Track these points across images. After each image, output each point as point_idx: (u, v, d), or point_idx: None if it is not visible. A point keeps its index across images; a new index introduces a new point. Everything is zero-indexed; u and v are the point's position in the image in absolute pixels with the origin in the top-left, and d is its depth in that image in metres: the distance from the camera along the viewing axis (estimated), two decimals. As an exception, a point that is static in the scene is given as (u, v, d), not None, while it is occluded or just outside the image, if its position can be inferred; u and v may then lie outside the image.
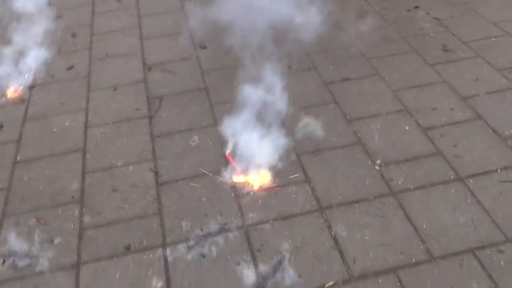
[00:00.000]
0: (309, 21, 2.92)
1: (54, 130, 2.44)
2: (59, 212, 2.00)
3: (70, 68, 2.92)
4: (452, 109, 2.45)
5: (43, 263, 1.80)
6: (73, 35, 3.26)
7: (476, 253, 1.77)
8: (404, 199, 1.99)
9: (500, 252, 1.77)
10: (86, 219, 1.96)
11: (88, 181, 2.14)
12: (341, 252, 1.79)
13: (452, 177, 2.08)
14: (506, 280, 1.68)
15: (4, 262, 1.81)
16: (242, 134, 2.29)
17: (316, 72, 2.77)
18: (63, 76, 2.85)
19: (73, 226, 1.93)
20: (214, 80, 2.76)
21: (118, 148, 2.30)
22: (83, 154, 2.28)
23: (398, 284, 1.68)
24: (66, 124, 2.48)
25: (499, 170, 2.10)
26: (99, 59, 3.01)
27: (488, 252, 1.77)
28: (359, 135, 2.31)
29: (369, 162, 2.17)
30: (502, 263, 1.73)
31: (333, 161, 2.18)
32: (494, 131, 2.30)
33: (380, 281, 1.69)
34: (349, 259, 1.77)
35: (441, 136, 2.29)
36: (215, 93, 2.66)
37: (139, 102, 2.61)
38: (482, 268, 1.72)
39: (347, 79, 2.70)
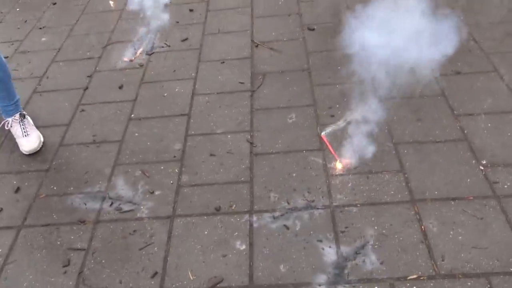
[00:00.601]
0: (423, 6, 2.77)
1: (165, 94, 2.65)
2: (162, 168, 2.18)
3: (185, 40, 3.13)
4: None
5: (143, 211, 1.99)
6: (191, 10, 3.47)
7: None
8: (509, 204, 1.84)
9: None
10: (184, 177, 2.12)
11: (190, 143, 2.29)
12: (429, 247, 1.72)
13: None
14: None
15: (112, 204, 2.03)
16: (341, 117, 2.28)
17: (428, 62, 2.63)
18: (178, 46, 3.07)
19: (172, 182, 2.10)
20: (318, 61, 2.77)
21: (219, 117, 2.44)
22: (188, 119, 2.45)
23: (489, 290, 1.57)
24: (176, 90, 2.67)
25: None
26: (212, 33, 3.17)
27: None
28: (465, 131, 2.17)
29: (473, 161, 2.03)
30: None
31: (433, 155, 2.07)
32: None
33: (469, 284, 1.60)
34: (438, 255, 1.69)
35: None
36: (317, 74, 2.66)
37: (244, 76, 2.72)
38: None
39: (459, 73, 2.53)
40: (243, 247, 1.80)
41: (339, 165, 2.08)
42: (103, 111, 2.58)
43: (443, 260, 1.67)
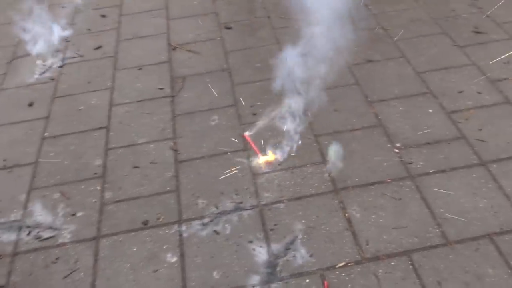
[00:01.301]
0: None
1: (81, 108, 2.52)
2: (83, 187, 2.08)
3: (98, 48, 3.00)
4: (479, 93, 2.36)
5: (65, 235, 1.89)
6: (103, 16, 3.33)
7: (494, 238, 1.72)
8: (423, 183, 1.95)
9: (520, 239, 1.72)
10: (107, 194, 2.04)
11: (111, 157, 2.21)
12: (354, 234, 1.79)
13: (474, 161, 2.02)
14: (524, 267, 1.64)
15: (30, 233, 1.91)
16: (262, 116, 2.30)
17: (339, 52, 2.72)
18: (91, 55, 2.93)
19: (95, 200, 2.01)
20: (237, 60, 2.77)
21: (140, 126, 2.36)
22: (107, 131, 2.35)
23: (411, 267, 1.66)
24: (93, 102, 2.55)
25: (525, 156, 2.02)
26: (126, 39, 3.07)
27: (507, 238, 1.72)
28: (379, 117, 2.28)
29: (388, 145, 2.13)
30: (521, 250, 1.69)
31: (351, 143, 2.16)
32: (523, 116, 2.21)
33: (392, 263, 1.68)
34: (362, 240, 1.76)
35: (466, 119, 2.22)
36: (237, 73, 2.67)
37: (163, 81, 2.66)
38: (499, 254, 1.68)
39: (371, 61, 2.65)
40: (174, 259, 1.76)
41: (263, 163, 2.10)
42: (12, 132, 2.41)
43: (367, 245, 1.75)
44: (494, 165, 1.99)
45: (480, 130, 2.16)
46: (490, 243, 1.71)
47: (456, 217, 1.81)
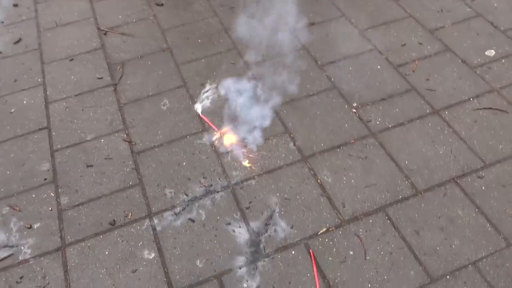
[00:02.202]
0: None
1: (12, 110, 2.28)
2: (33, 196, 1.90)
3: (18, 41, 2.70)
4: (420, 43, 2.43)
5: (25, 251, 1.72)
6: (15, 5, 2.99)
7: (458, 181, 1.81)
8: (384, 138, 2.00)
9: (480, 177, 1.82)
10: (64, 199, 1.87)
11: (59, 159, 2.02)
12: (329, 198, 1.80)
13: (427, 111, 2.10)
14: (488, 203, 1.74)
15: (-17, 255, 1.72)
16: (215, 91, 2.22)
17: (281, 19, 2.67)
18: (11, 50, 2.64)
19: (51, 208, 1.84)
20: (176, 38, 2.62)
21: (85, 121, 2.18)
22: (49, 132, 2.14)
23: (389, 221, 1.71)
24: (25, 102, 2.31)
25: (471, 99, 2.13)
26: (48, 28, 2.78)
27: (469, 179, 1.82)
28: (332, 80, 2.28)
29: (346, 106, 2.15)
30: (483, 187, 1.79)
31: (310, 109, 2.14)
32: (463, 61, 2.32)
33: (370, 221, 1.72)
34: (338, 204, 1.78)
35: (413, 71, 2.29)
36: (179, 52, 2.53)
37: (100, 70, 2.46)
38: (465, 195, 1.77)
39: (313, 24, 2.63)
40: (152, 255, 1.67)
41: (226, 142, 2.03)
42: None
43: (344, 207, 1.77)
44: (446, 112, 2.08)
45: (427, 80, 2.23)
46: (455, 187, 1.80)
47: (421, 167, 1.87)
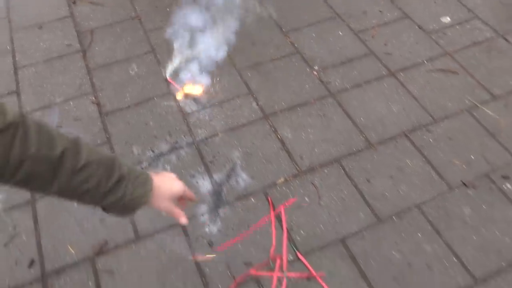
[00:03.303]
0: None
1: (-19, 76, 2.31)
2: (3, 154, 1.95)
3: (-15, 10, 2.71)
4: (381, 11, 2.54)
5: (-4, 204, 1.78)
6: (-18, -24, 2.98)
7: (409, 135, 1.94)
8: (342, 98, 2.11)
9: (429, 131, 1.95)
10: (33, 157, 1.93)
11: (29, 121, 2.07)
12: (288, 152, 1.90)
13: (384, 73, 2.21)
14: (435, 155, 1.87)
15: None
16: (181, 55, 2.28)
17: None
18: (-21, 20, 2.65)
19: (21, 165, 1.90)
20: (145, 7, 2.67)
21: (54, 85, 2.23)
22: (18, 96, 2.19)
23: (342, 171, 1.83)
24: (-7, 68, 2.34)
25: (425, 62, 2.25)
26: (17, -2, 2.79)
27: (419, 133, 1.95)
28: (296, 45, 2.37)
29: (308, 69, 2.25)
30: (431, 140, 1.92)
31: (273, 72, 2.24)
32: (420, 27, 2.43)
33: (325, 171, 1.83)
34: (296, 156, 1.89)
35: (372, 37, 2.39)
36: (148, 20, 2.58)
37: (69, 37, 2.50)
38: (415, 147, 1.90)
39: (279, -7, 2.70)
40: (119, 205, 1.75)
41: (192, 102, 2.11)
42: None
43: (302, 159, 1.87)
44: (401, 73, 2.20)
45: (385, 45, 2.35)
46: (406, 140, 1.92)
47: (375, 123, 1.99)
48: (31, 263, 1.62)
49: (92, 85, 2.23)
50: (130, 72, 2.29)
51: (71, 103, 2.15)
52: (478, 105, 2.05)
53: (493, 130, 1.95)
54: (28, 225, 1.71)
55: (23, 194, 1.81)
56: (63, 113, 2.10)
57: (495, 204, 1.72)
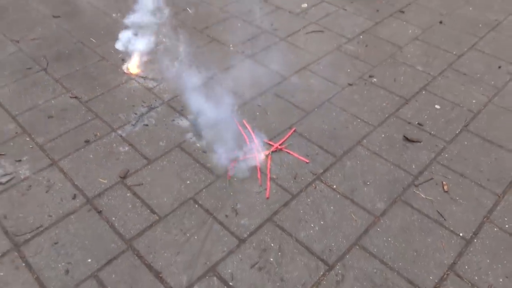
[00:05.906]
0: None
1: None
2: (11, 144, 2.37)
3: None
4: (261, 8, 3.56)
5: (23, 173, 2.21)
6: None
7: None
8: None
9: (312, 71, 2.93)
10: (39, 139, 2.40)
11: (21, 120, 2.53)
12: (233, 92, 2.69)
13: (278, 39, 3.17)
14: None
15: (-13, 185, 2.16)
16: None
17: None
18: None
19: (31, 146, 2.36)
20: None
21: (32, 95, 2.71)
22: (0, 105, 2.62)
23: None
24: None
25: (301, 29, 3.29)
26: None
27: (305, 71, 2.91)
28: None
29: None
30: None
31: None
32: (290, 12, 3.49)
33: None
34: (240, 93, 2.68)
35: (261, 22, 3.37)
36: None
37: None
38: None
39: None
40: (126, 148, 2.34)
41: (149, 79, 2.80)
42: None
43: (244, 94, 2.68)
44: (289, 38, 3.19)
45: (272, 25, 3.34)
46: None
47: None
48: (74, 196, 2.11)
49: (65, 87, 2.77)
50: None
51: (53, 102, 2.66)
52: (342, 45, 3.12)
53: (355, 58, 3.01)
54: (58, 177, 2.19)
55: (42, 160, 2.27)
56: (51, 108, 2.60)
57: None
